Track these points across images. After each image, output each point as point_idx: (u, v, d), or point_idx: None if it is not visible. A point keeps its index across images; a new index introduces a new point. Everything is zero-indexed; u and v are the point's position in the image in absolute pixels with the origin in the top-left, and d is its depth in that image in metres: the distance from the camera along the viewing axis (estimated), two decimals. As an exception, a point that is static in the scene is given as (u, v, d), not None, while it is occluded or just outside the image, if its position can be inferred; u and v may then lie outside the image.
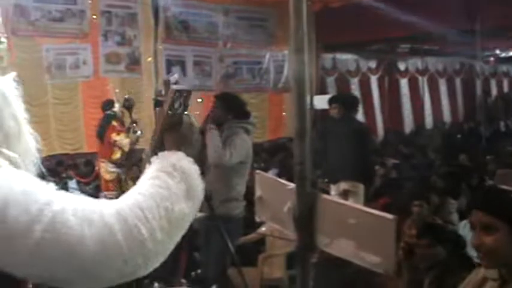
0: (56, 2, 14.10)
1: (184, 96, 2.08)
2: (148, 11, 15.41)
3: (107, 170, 10.33)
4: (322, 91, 17.56)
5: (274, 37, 17.02)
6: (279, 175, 10.16)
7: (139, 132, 10.56)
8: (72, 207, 1.68)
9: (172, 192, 1.87)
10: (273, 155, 15.27)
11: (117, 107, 10.91)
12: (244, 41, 16.64)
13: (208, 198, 6.24)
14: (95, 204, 1.75)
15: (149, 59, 15.40)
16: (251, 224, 7.01)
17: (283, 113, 17.87)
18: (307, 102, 3.81)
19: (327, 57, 19.64)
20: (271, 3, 15.96)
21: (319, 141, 9.47)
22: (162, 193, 1.84)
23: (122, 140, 10.29)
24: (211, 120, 6.46)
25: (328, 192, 8.27)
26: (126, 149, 10.26)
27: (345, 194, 8.57)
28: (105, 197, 10.35)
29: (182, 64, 16.33)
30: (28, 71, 13.88)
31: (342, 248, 3.48)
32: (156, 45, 15.68)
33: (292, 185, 3.83)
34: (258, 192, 4.39)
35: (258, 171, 4.69)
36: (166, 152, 2.00)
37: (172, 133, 2.08)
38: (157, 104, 6.49)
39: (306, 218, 3.60)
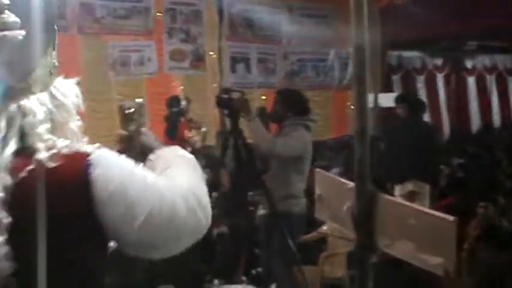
0: (122, -1, 14.30)
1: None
2: (212, 9, 15.53)
3: None
4: (388, 89, 17.37)
5: (339, 34, 16.90)
6: (343, 173, 10.10)
7: (204, 128, 10.56)
8: (162, 183, 2.01)
9: (194, 172, 2.22)
10: (336, 152, 15.20)
11: (183, 104, 10.96)
12: (309, 38, 16.55)
13: (268, 195, 6.26)
14: (173, 181, 2.08)
15: (213, 55, 15.54)
16: (313, 222, 6.99)
17: (348, 111, 17.74)
18: (369, 100, 3.79)
19: (393, 55, 19.41)
20: (335, 0, 15.86)
21: (384, 140, 9.38)
22: (195, 176, 2.19)
23: (194, 136, 10.36)
24: (271, 116, 6.46)
25: (391, 193, 8.16)
26: (197, 145, 10.32)
27: (410, 195, 8.41)
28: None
29: (246, 61, 16.36)
30: (94, 68, 14.15)
31: (401, 249, 3.45)
32: (221, 43, 15.81)
33: (352, 184, 3.80)
34: (317, 191, 4.38)
35: (318, 169, 4.67)
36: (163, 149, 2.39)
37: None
38: (220, 102, 6.53)
39: (365, 218, 3.57)
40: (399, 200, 3.53)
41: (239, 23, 15.96)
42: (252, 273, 7.85)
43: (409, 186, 8.67)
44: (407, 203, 3.58)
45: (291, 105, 6.46)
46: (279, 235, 6.07)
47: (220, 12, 15.58)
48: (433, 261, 3.19)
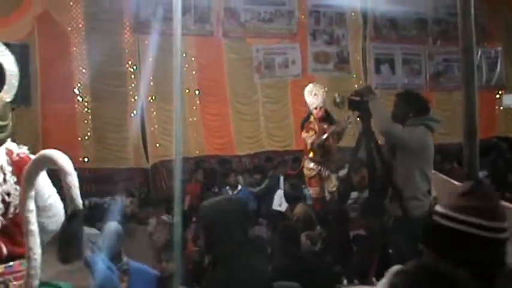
0: (265, 3, 14.58)
1: None
2: (356, 10, 15.50)
3: (306, 166, 10.40)
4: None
5: (487, 33, 16.35)
6: (488, 177, 9.85)
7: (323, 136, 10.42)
8: None
9: None
10: (483, 154, 14.73)
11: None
12: (455, 38, 16.13)
13: (399, 197, 6.22)
14: None
15: (357, 56, 15.56)
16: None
17: (496, 112, 17.17)
18: (477, 102, 3.72)
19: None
20: (483, -1, 15.44)
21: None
22: None
23: (307, 137, 10.32)
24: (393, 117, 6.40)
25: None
26: (309, 146, 10.27)
27: None
28: (308, 193, 10.51)
29: (391, 62, 16.20)
30: (239, 71, 14.53)
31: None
32: (365, 44, 15.76)
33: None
34: (433, 193, 4.35)
35: (433, 171, 4.62)
36: None
37: None
38: (351, 104, 6.57)
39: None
40: (507, 204, 3.43)
41: (383, 23, 15.85)
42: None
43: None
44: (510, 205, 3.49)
45: (411, 106, 6.37)
46: (403, 238, 6.03)
47: (365, 13, 15.56)
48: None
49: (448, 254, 2.30)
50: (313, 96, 10.17)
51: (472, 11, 3.58)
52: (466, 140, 3.64)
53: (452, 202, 2.38)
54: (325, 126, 10.11)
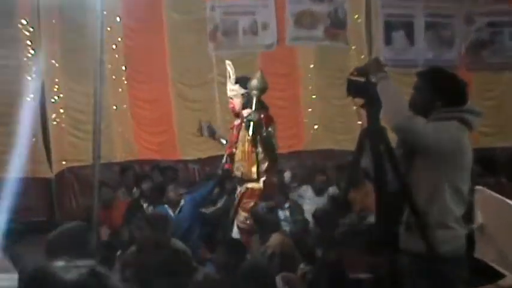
0: None
1: None
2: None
3: None
4: None
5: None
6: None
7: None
8: None
9: None
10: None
11: None
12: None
13: (421, 225, 6.07)
14: None
15: (359, 19, 15.47)
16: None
17: None
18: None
19: None
20: None
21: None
22: None
23: None
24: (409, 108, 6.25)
25: None
26: None
27: None
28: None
29: (408, 28, 16.15)
30: (185, 38, 14.55)
31: None
32: (370, 1, 15.70)
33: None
34: (479, 219, 4.18)
35: (478, 186, 4.42)
36: None
37: None
38: (351, 86, 6.45)
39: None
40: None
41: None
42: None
43: None
44: None
45: (440, 91, 6.19)
46: (426, 284, 5.89)
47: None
48: None
49: None
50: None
51: None
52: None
53: None
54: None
